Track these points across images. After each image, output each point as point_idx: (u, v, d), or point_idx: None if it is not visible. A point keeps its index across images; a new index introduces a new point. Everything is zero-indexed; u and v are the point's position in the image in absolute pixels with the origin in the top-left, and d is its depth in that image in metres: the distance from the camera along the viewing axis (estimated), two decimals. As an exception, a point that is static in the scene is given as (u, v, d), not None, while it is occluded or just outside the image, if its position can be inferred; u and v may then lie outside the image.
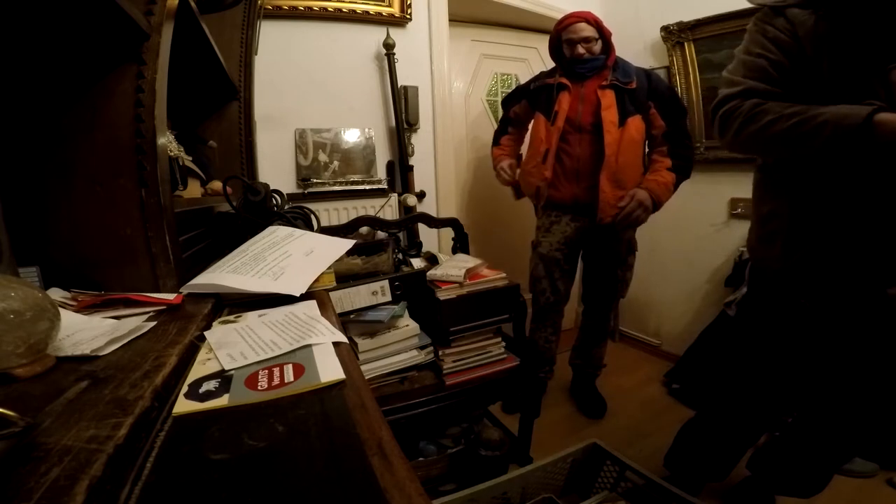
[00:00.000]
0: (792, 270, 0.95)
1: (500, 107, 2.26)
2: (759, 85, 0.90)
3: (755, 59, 0.90)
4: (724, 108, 0.94)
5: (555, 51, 1.66)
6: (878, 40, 0.76)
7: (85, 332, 0.44)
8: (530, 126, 1.81)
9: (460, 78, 2.25)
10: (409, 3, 1.83)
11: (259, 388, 0.39)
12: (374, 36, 1.80)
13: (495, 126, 2.33)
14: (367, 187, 1.84)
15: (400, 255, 1.44)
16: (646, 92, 1.55)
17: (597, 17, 1.57)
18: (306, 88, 1.72)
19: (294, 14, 1.65)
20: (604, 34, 1.57)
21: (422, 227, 1.75)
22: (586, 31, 1.54)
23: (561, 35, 1.59)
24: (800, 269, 0.94)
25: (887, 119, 0.75)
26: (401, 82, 1.82)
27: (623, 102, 1.54)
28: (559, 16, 1.66)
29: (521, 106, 1.78)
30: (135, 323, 0.48)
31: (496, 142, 1.87)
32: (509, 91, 1.91)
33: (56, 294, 0.56)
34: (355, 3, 1.75)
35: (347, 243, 0.84)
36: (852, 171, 0.83)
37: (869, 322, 0.89)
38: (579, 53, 1.56)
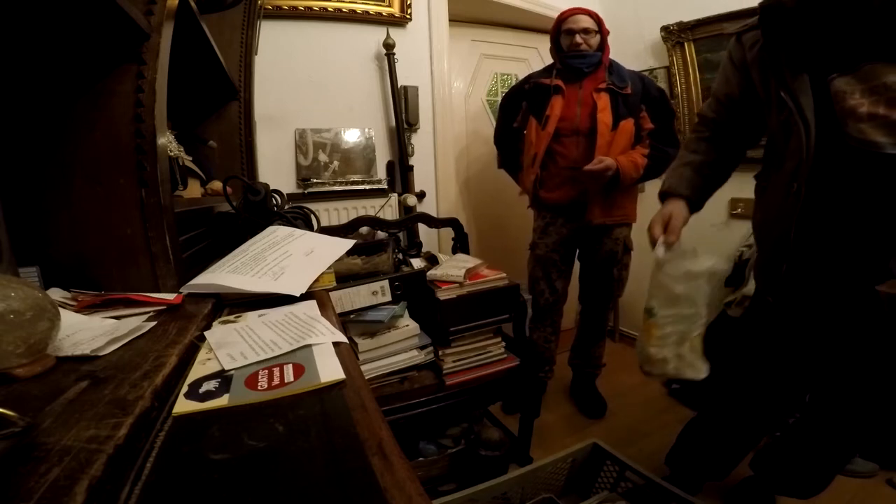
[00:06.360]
0: (760, 269, 1.01)
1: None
2: (706, 110, 1.09)
3: (713, 89, 1.07)
4: None
5: (555, 44, 1.66)
6: (817, 52, 0.78)
7: (85, 332, 0.44)
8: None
9: (460, 78, 2.25)
10: (409, 3, 1.83)
11: (259, 388, 0.39)
12: (374, 36, 1.80)
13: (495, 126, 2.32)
14: (367, 187, 1.84)
15: (400, 255, 1.43)
16: (639, 96, 1.57)
17: (598, 15, 1.59)
18: (306, 88, 1.72)
19: (294, 14, 1.65)
20: (602, 31, 1.59)
21: (422, 227, 1.75)
22: (586, 22, 1.56)
23: (561, 26, 1.60)
24: (764, 268, 0.99)
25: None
26: (401, 82, 1.82)
27: (617, 106, 1.55)
28: (559, 16, 1.67)
29: (522, 112, 1.73)
30: (135, 323, 0.48)
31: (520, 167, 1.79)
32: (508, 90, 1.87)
33: (56, 294, 0.56)
34: (355, 3, 1.74)
35: (347, 243, 0.84)
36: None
37: (836, 321, 0.91)
38: (577, 43, 1.56)
